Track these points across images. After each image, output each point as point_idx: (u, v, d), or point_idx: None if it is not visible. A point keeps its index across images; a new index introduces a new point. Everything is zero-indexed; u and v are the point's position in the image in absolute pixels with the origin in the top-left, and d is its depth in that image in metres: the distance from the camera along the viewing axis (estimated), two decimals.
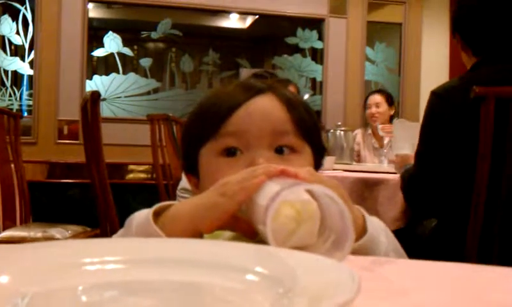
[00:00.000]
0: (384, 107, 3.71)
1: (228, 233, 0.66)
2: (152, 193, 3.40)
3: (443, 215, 1.74)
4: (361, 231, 0.64)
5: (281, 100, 0.77)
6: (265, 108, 0.76)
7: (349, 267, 0.39)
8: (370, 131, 3.78)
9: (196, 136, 0.79)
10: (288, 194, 0.53)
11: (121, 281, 0.44)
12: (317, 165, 0.81)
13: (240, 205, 0.58)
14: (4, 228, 2.56)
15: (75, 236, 2.63)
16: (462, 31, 1.74)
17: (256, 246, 0.49)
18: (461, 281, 0.52)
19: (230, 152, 0.74)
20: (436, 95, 1.66)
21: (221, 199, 0.59)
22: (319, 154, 0.81)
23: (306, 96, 4.68)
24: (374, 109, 3.71)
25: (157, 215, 0.63)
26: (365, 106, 3.85)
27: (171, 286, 0.44)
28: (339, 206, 0.53)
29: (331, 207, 0.54)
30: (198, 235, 0.60)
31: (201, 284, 0.44)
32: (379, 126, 3.20)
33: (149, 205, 0.65)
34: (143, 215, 0.63)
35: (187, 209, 0.62)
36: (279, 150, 0.75)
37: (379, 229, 0.68)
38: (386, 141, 3.02)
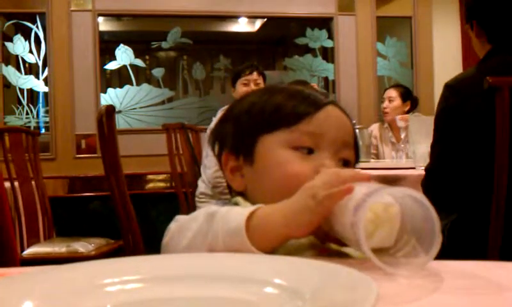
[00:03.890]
0: (397, 101, 3.69)
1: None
2: (171, 201, 3.42)
3: (462, 208, 1.72)
4: None
5: (344, 112, 0.81)
6: (341, 117, 0.80)
7: (368, 276, 0.39)
8: (386, 125, 3.77)
9: (260, 122, 0.79)
10: (376, 197, 0.54)
11: (144, 299, 0.45)
12: None
13: (330, 211, 0.59)
14: (29, 245, 2.59)
15: (98, 248, 2.66)
16: (479, 15, 1.71)
17: (276, 257, 0.49)
18: (480, 279, 0.52)
19: (302, 148, 0.76)
20: (449, 87, 1.65)
21: (312, 202, 0.60)
22: None
23: None
24: (385, 104, 3.71)
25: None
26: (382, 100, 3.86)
27: (192, 302, 0.45)
28: (428, 212, 0.53)
29: (415, 212, 0.55)
30: (288, 240, 0.62)
31: (221, 299, 0.44)
32: (398, 117, 3.18)
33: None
34: (232, 225, 0.61)
35: (280, 214, 0.62)
36: (341, 161, 0.78)
37: None
38: (403, 135, 2.99)
